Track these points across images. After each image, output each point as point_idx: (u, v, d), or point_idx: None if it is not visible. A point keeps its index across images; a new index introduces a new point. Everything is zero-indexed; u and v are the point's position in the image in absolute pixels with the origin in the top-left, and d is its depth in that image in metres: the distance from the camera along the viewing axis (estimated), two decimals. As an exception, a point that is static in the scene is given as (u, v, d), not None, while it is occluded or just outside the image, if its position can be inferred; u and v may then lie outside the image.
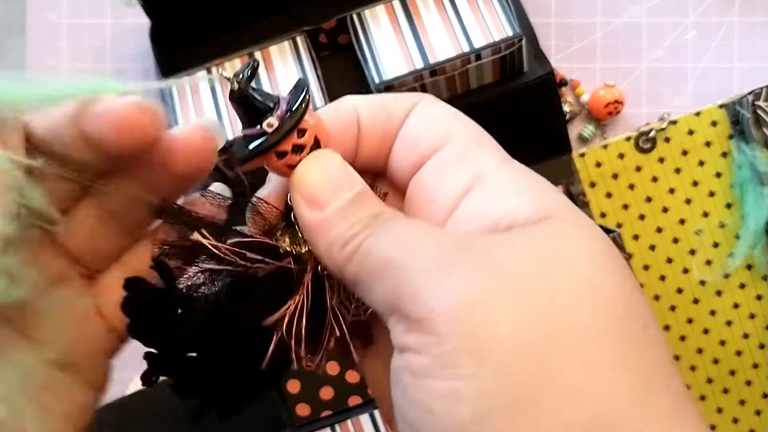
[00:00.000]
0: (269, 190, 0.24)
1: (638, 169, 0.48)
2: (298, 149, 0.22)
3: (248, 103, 0.22)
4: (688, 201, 0.48)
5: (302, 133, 0.22)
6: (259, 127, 0.21)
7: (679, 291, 0.48)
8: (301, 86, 0.22)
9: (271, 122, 0.21)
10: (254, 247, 0.22)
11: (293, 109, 0.22)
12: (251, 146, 0.22)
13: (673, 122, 0.47)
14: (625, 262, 0.21)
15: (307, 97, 0.22)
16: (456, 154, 0.23)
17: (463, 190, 0.22)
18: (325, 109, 0.24)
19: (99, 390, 0.25)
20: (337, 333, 0.23)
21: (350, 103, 0.24)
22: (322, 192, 0.22)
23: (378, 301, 0.20)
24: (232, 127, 0.43)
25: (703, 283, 0.48)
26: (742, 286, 0.48)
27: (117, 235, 0.24)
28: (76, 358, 0.24)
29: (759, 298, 0.48)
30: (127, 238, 0.24)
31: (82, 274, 0.24)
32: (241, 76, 0.22)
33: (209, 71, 0.45)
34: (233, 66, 0.44)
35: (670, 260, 0.48)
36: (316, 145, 0.22)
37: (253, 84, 0.22)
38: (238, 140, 0.22)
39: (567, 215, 0.21)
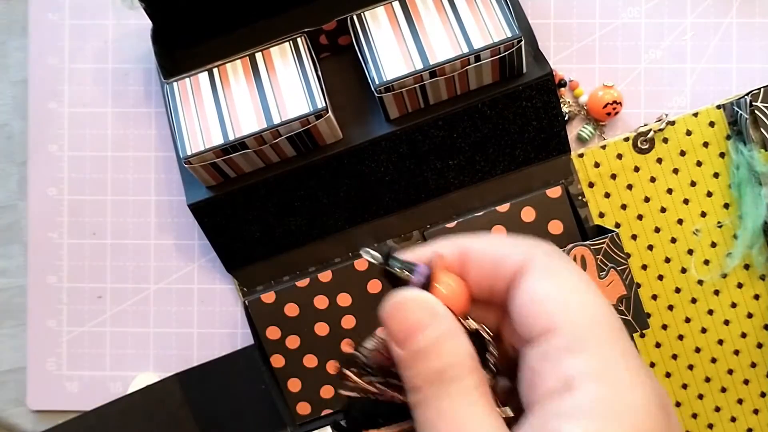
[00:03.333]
0: None
1: (636, 169, 0.48)
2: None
3: (390, 275, 0.26)
4: (686, 201, 0.48)
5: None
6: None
7: (677, 290, 0.48)
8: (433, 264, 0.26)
9: (416, 279, 0.25)
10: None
11: (425, 283, 0.25)
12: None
13: (671, 123, 0.47)
14: None
15: (434, 269, 0.26)
16: (558, 351, 0.23)
17: (548, 392, 0.22)
18: (434, 247, 0.26)
19: None
20: None
21: (457, 244, 0.26)
22: (399, 329, 0.23)
23: None
24: (233, 127, 0.43)
25: (701, 282, 0.48)
26: (740, 285, 0.48)
27: None
28: None
29: (757, 297, 0.48)
30: None
31: None
32: (381, 258, 0.26)
33: (210, 72, 0.45)
34: (234, 67, 0.45)
35: (668, 260, 0.48)
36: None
37: (396, 255, 0.26)
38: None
39: None
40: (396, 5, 0.44)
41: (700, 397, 0.48)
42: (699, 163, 0.48)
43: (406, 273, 0.25)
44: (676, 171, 0.48)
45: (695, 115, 0.47)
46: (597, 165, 0.48)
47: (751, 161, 0.46)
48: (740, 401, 0.48)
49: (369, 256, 0.26)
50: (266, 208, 0.47)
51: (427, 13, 0.44)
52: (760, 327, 0.48)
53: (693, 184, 0.48)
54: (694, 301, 0.48)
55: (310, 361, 0.46)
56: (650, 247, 0.48)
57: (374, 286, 0.46)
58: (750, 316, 0.48)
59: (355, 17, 0.45)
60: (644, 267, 0.48)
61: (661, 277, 0.48)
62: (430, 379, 0.23)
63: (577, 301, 0.23)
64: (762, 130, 0.45)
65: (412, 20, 0.44)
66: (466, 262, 0.26)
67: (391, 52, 0.43)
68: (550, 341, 0.23)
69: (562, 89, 0.49)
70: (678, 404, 0.48)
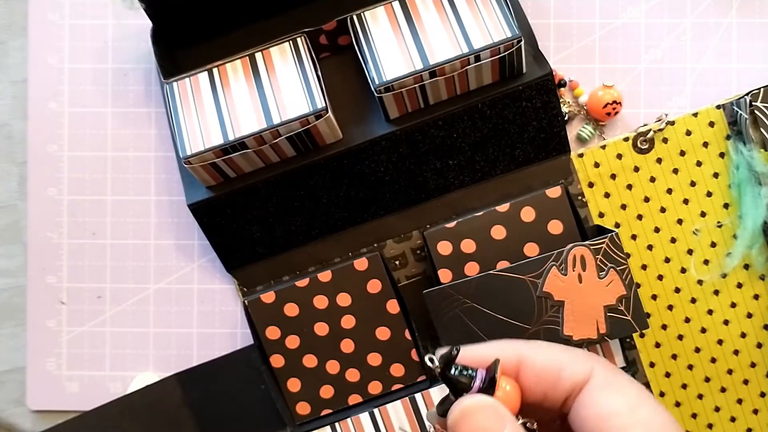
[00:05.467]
0: None
1: (636, 169, 0.48)
2: None
3: (449, 380, 0.27)
4: (685, 201, 0.48)
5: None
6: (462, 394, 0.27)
7: (677, 290, 0.48)
8: (493, 368, 0.27)
9: (474, 387, 0.26)
10: None
11: (485, 387, 0.26)
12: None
13: (671, 123, 0.47)
14: None
15: (497, 376, 0.26)
16: None
17: None
18: (489, 350, 0.27)
19: None
20: None
21: (513, 350, 0.27)
22: None
23: None
24: (233, 127, 0.43)
25: (700, 282, 0.48)
26: (740, 285, 0.48)
27: None
28: None
29: (756, 297, 0.48)
30: None
31: None
32: (440, 361, 0.27)
33: (210, 72, 0.45)
34: (234, 67, 0.45)
35: (667, 260, 0.48)
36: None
37: (457, 361, 0.27)
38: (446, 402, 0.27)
39: None
40: (396, 5, 0.44)
41: (700, 397, 0.48)
42: (699, 163, 0.48)
43: (467, 378, 0.26)
44: (675, 171, 0.48)
45: (695, 115, 0.48)
46: (597, 165, 0.48)
47: (751, 161, 0.46)
48: (740, 401, 0.48)
49: (432, 364, 0.27)
50: (266, 208, 0.47)
51: (426, 13, 0.44)
52: (759, 327, 0.48)
53: (693, 184, 0.48)
54: (693, 301, 0.48)
55: (310, 361, 0.46)
56: (650, 247, 0.48)
57: (374, 286, 0.46)
58: (750, 316, 0.48)
59: (355, 17, 0.45)
60: (644, 267, 0.48)
61: (660, 277, 0.48)
62: None
63: (646, 413, 0.25)
64: (762, 130, 0.45)
65: (411, 20, 0.44)
66: (523, 367, 0.27)
67: (391, 52, 0.43)
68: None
69: (562, 89, 0.49)
70: (677, 404, 0.48)
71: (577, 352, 0.27)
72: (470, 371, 0.26)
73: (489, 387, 0.26)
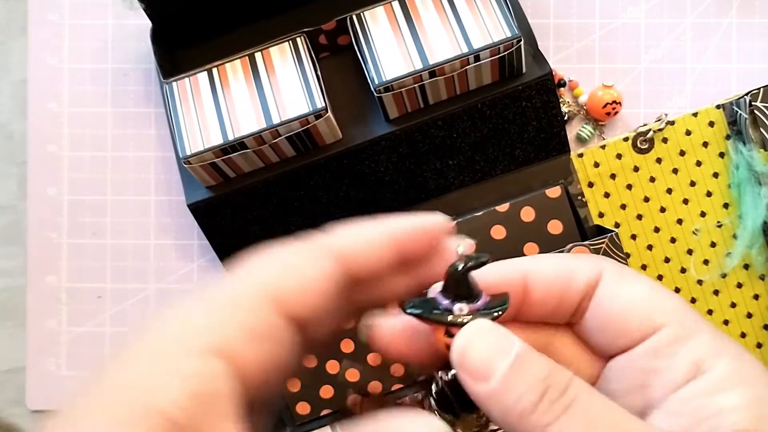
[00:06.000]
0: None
1: (636, 169, 0.48)
2: None
3: (458, 281, 0.24)
4: (685, 201, 0.48)
5: None
6: (450, 302, 0.24)
7: (677, 290, 0.48)
8: (503, 303, 0.25)
9: (462, 308, 0.24)
10: None
11: (485, 311, 0.24)
12: (433, 311, 0.24)
13: (671, 123, 0.47)
14: None
15: (502, 313, 0.24)
16: (670, 343, 0.23)
17: (683, 380, 0.22)
18: (490, 271, 0.25)
19: None
20: None
21: (517, 268, 0.26)
22: (481, 363, 0.22)
23: None
24: (232, 127, 0.43)
25: (700, 282, 0.48)
26: (740, 285, 0.48)
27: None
28: None
29: (756, 297, 0.48)
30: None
31: None
32: (470, 262, 0.24)
33: (210, 72, 0.45)
34: (233, 67, 0.45)
35: (667, 260, 0.48)
36: None
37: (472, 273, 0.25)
38: (429, 297, 0.25)
39: None
40: (395, 5, 0.44)
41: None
42: (698, 163, 0.48)
43: (475, 295, 0.25)
44: (675, 171, 0.48)
45: (695, 115, 0.47)
46: (596, 165, 0.48)
47: (751, 161, 0.46)
48: (740, 401, 0.48)
49: (459, 251, 0.25)
50: (266, 208, 0.47)
51: (426, 13, 0.44)
52: (759, 327, 0.48)
53: (692, 184, 0.48)
54: (693, 300, 0.48)
55: (310, 361, 0.46)
56: (650, 247, 0.48)
57: (374, 286, 0.46)
58: (749, 316, 0.48)
59: (354, 17, 0.45)
60: (644, 267, 0.48)
61: (660, 277, 0.48)
62: (538, 390, 0.22)
63: (665, 297, 0.24)
64: (761, 130, 0.45)
65: (411, 20, 0.44)
66: (530, 281, 0.26)
67: (390, 52, 0.43)
68: (657, 338, 0.23)
69: (562, 89, 0.49)
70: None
71: (582, 256, 0.27)
72: (474, 290, 0.25)
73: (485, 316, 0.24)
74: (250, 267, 0.22)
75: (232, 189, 0.46)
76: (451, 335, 0.24)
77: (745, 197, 0.47)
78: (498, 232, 0.45)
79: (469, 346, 0.23)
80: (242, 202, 0.46)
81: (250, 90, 0.44)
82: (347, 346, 0.46)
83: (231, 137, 0.43)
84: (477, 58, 0.43)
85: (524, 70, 0.45)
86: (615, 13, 0.49)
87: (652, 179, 0.48)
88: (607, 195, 0.48)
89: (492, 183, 0.48)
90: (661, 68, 0.49)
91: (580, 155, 0.48)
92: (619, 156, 0.48)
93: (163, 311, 0.21)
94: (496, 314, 0.24)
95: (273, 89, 0.44)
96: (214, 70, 0.45)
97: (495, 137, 0.47)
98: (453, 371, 0.24)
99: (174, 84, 0.45)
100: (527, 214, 0.45)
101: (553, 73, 0.47)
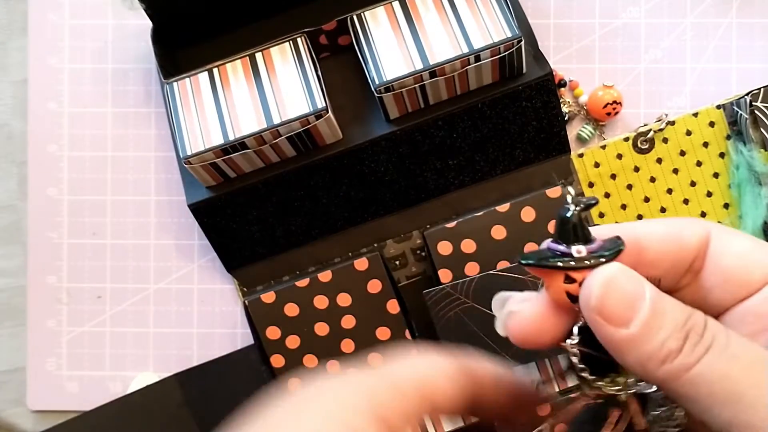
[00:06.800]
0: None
1: (636, 169, 0.48)
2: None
3: (572, 225, 0.24)
4: (686, 201, 0.48)
5: None
6: (565, 246, 0.24)
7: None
8: (619, 243, 0.24)
9: (580, 249, 0.23)
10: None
11: (604, 253, 0.23)
12: (551, 258, 0.24)
13: (671, 123, 0.47)
14: None
15: (620, 252, 0.24)
16: None
17: None
18: (602, 232, 0.25)
19: None
20: None
21: (629, 230, 0.25)
22: (619, 307, 0.22)
23: (713, 420, 0.21)
24: (233, 127, 0.43)
25: (700, 282, 0.48)
26: (740, 285, 0.48)
27: None
28: None
29: (756, 297, 0.48)
30: None
31: None
32: (580, 205, 0.24)
33: (210, 72, 0.45)
34: (234, 67, 0.45)
35: (668, 260, 0.48)
36: None
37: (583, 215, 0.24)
38: (542, 249, 0.25)
39: None
40: (396, 5, 0.44)
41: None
42: (699, 163, 0.48)
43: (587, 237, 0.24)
44: (676, 171, 0.48)
45: (695, 115, 0.48)
46: (597, 165, 0.48)
47: (751, 161, 0.46)
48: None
49: (569, 195, 0.24)
50: (266, 208, 0.47)
51: (427, 13, 0.44)
52: (759, 327, 0.48)
53: (693, 184, 0.48)
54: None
55: (310, 361, 0.46)
56: (650, 247, 0.48)
57: (374, 286, 0.46)
58: (750, 316, 0.48)
59: (355, 17, 0.45)
60: (644, 267, 0.48)
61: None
62: (680, 335, 0.21)
63: (762, 249, 0.25)
64: (762, 130, 0.45)
65: (412, 20, 0.44)
66: (644, 244, 0.25)
67: (391, 52, 0.43)
68: None
69: (562, 89, 0.49)
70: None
71: (685, 218, 0.27)
72: (588, 234, 0.24)
73: (596, 261, 0.24)
74: (410, 360, 0.24)
75: (233, 189, 0.46)
76: (571, 280, 0.23)
77: (745, 197, 0.47)
78: (498, 232, 0.45)
79: (606, 289, 0.22)
80: (242, 202, 0.46)
81: (251, 90, 0.44)
82: (348, 346, 0.46)
83: (231, 137, 0.43)
84: (477, 58, 0.43)
85: (524, 70, 0.45)
86: (615, 13, 0.49)
87: (653, 179, 0.48)
88: (607, 195, 0.48)
89: (492, 183, 0.48)
90: (661, 68, 0.49)
91: (581, 155, 0.48)
92: (619, 156, 0.48)
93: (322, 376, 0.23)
94: (616, 251, 0.23)
95: (273, 89, 0.44)
96: (215, 70, 0.45)
97: (495, 137, 0.47)
98: (580, 323, 0.24)
99: (174, 84, 0.45)
100: (528, 214, 0.45)
101: (554, 73, 0.47)
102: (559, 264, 0.23)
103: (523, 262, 0.24)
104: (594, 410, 0.24)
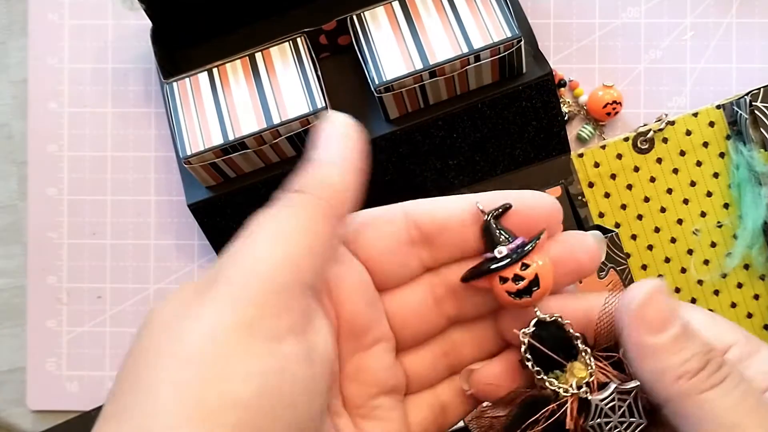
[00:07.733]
0: None
1: (636, 169, 0.48)
2: (518, 279, 0.25)
3: (491, 231, 0.26)
4: (685, 201, 0.48)
5: (525, 267, 0.25)
6: (491, 252, 0.25)
7: (677, 290, 0.48)
8: (539, 234, 0.26)
9: (501, 250, 0.25)
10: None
11: (523, 245, 0.25)
12: (481, 268, 0.26)
13: (671, 123, 0.47)
14: None
15: (540, 241, 0.25)
16: (741, 356, 0.25)
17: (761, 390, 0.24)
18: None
19: None
20: None
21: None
22: (659, 316, 0.24)
23: None
24: (233, 127, 0.43)
25: (700, 282, 0.48)
26: (740, 285, 0.48)
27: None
28: None
29: (756, 297, 0.48)
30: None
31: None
32: (492, 212, 0.26)
33: (210, 72, 0.45)
34: (233, 67, 0.45)
35: (668, 260, 0.48)
36: (535, 282, 0.25)
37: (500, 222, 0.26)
38: (477, 264, 0.26)
39: None
40: (396, 5, 0.44)
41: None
42: (699, 163, 0.48)
43: (505, 239, 0.26)
44: (675, 171, 0.48)
45: (695, 115, 0.48)
46: (597, 165, 0.48)
47: (751, 161, 0.46)
48: (740, 401, 0.48)
49: (480, 206, 0.26)
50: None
51: (426, 13, 0.44)
52: (760, 327, 0.48)
53: (693, 184, 0.48)
54: (693, 301, 0.48)
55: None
56: (650, 247, 0.48)
57: (374, 286, 0.46)
58: (750, 316, 0.48)
59: (354, 17, 0.45)
60: (644, 267, 0.48)
61: (660, 277, 0.48)
62: (700, 360, 0.23)
63: (725, 321, 0.26)
64: (762, 130, 0.45)
65: (411, 20, 0.44)
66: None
67: (390, 52, 0.43)
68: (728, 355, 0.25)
69: (562, 89, 0.49)
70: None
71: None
72: (509, 234, 0.26)
73: (519, 255, 0.25)
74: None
75: (233, 189, 0.46)
76: (504, 281, 0.25)
77: (745, 197, 0.47)
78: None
79: (650, 298, 0.24)
80: (242, 202, 0.46)
81: (251, 90, 0.44)
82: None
83: (231, 137, 0.43)
84: (477, 58, 0.43)
85: (524, 70, 0.45)
86: (615, 13, 0.49)
87: (653, 179, 0.48)
88: (607, 195, 0.48)
89: (492, 183, 0.48)
90: (662, 68, 0.49)
91: (581, 155, 0.48)
92: (619, 156, 0.48)
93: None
94: (536, 240, 0.25)
95: (273, 89, 0.44)
96: (215, 70, 0.45)
97: (495, 137, 0.47)
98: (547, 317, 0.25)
99: (174, 84, 0.45)
100: (527, 214, 0.45)
101: (554, 73, 0.47)
102: (486, 268, 0.25)
103: (463, 281, 0.26)
104: (534, 404, 0.25)
